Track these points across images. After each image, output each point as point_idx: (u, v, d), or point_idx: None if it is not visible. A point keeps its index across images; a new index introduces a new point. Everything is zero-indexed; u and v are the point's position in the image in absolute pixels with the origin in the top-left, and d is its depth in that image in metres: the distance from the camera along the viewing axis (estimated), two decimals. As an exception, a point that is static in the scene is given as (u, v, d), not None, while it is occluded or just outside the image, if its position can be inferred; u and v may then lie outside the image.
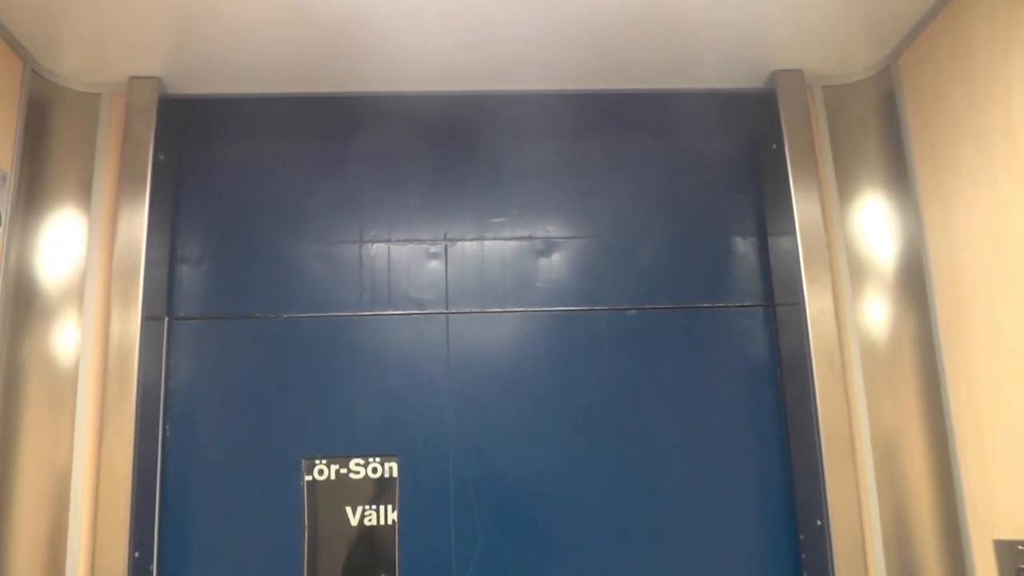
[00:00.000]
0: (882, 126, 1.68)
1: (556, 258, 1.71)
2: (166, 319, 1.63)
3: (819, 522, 1.50)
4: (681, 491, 1.62)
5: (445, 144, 1.76)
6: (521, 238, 1.72)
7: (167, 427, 1.60)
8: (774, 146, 1.68)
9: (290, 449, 1.60)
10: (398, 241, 1.70)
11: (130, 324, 1.51)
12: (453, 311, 1.67)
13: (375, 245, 1.70)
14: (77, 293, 1.55)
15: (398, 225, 1.72)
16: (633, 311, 1.69)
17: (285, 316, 1.66)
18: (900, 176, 1.64)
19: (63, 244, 1.56)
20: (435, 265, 1.70)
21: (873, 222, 1.65)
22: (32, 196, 1.55)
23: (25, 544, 1.43)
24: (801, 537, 1.58)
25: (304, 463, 1.59)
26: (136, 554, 1.46)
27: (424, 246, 1.70)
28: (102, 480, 1.46)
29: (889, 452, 1.55)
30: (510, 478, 1.60)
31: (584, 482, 1.61)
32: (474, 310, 1.68)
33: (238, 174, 1.73)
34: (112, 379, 1.49)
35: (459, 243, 1.71)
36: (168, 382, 1.62)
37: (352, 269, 1.69)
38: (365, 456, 1.60)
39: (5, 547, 1.41)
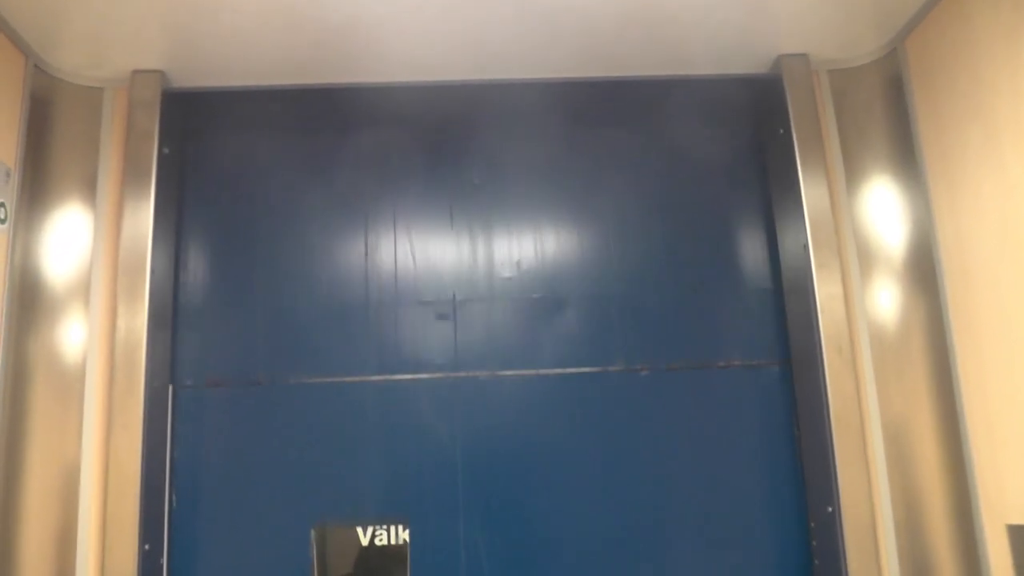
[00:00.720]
0: (889, 110, 1.67)
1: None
2: (172, 313, 1.63)
3: (830, 508, 1.50)
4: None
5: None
6: (531, 297, 1.69)
7: (175, 420, 1.60)
8: (780, 131, 1.67)
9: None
10: (405, 305, 1.68)
11: (137, 318, 1.51)
12: (462, 373, 1.64)
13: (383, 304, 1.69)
14: (83, 288, 1.55)
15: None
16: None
17: (288, 380, 1.66)
18: (907, 160, 1.63)
19: (68, 240, 1.56)
20: (444, 326, 1.67)
21: (881, 207, 1.64)
22: (36, 192, 1.55)
23: (35, 539, 1.43)
24: (811, 524, 1.57)
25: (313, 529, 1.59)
26: (146, 547, 1.46)
27: (431, 307, 1.67)
28: (111, 474, 1.46)
29: (899, 438, 1.54)
30: (522, 542, 1.58)
31: (598, 543, 1.59)
32: (483, 373, 1.65)
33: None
34: (119, 373, 1.49)
35: (467, 303, 1.67)
36: (176, 376, 1.62)
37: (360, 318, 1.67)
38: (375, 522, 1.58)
39: (16, 542, 1.41)
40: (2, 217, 1.43)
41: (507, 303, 1.67)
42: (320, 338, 1.65)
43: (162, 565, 1.51)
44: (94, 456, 1.49)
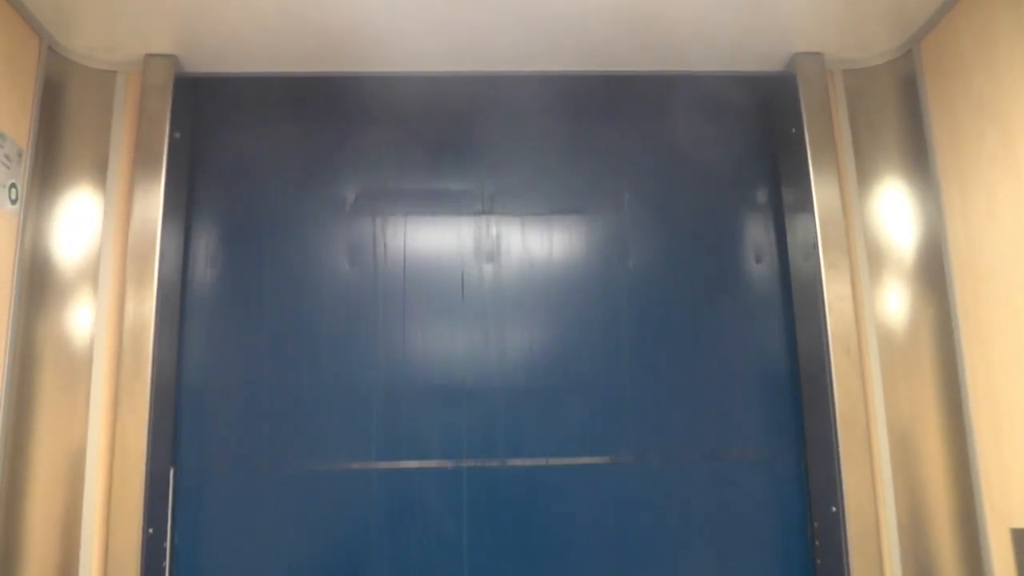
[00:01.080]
0: (902, 111, 1.66)
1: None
2: (180, 298, 1.63)
3: (834, 508, 1.50)
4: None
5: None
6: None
7: (181, 405, 1.60)
8: (793, 130, 1.66)
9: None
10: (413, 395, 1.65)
11: (145, 303, 1.51)
12: (469, 463, 1.62)
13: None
14: (92, 272, 1.55)
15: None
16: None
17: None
18: (920, 161, 1.62)
19: (78, 222, 1.56)
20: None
21: (892, 208, 1.63)
22: (48, 174, 1.55)
23: (40, 520, 1.43)
24: (815, 524, 1.57)
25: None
26: (150, 531, 1.46)
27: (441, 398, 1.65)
28: (116, 458, 1.46)
29: (905, 440, 1.54)
30: None
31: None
32: (492, 463, 1.62)
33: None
34: (127, 357, 1.49)
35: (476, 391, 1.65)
36: (182, 361, 1.62)
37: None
38: None
39: (21, 524, 1.42)
40: (13, 197, 1.43)
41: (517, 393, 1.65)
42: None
43: (165, 548, 1.52)
44: (100, 439, 1.49)
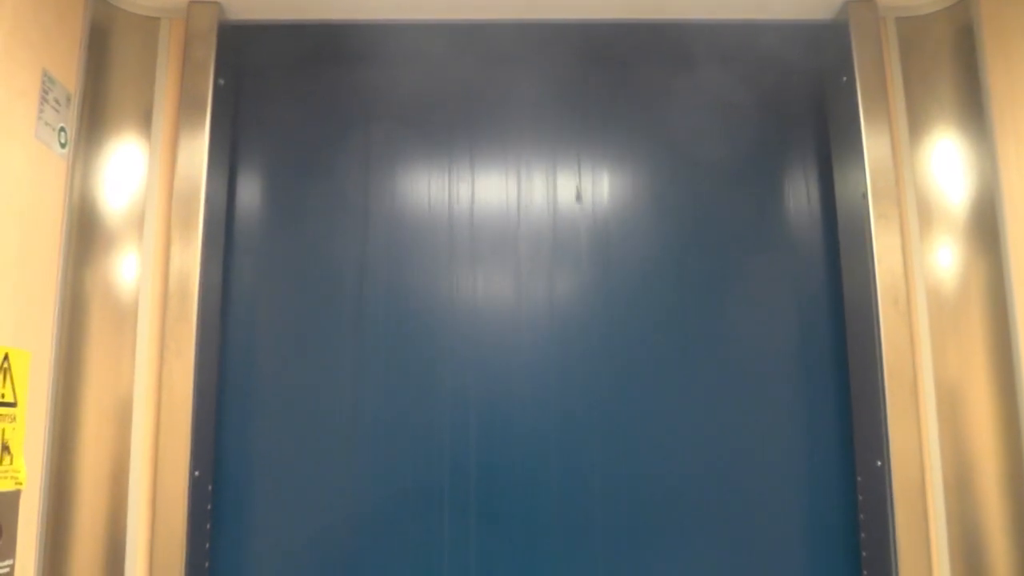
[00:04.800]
0: (957, 60, 1.61)
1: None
2: (225, 242, 1.65)
3: (879, 463, 1.48)
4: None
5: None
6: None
7: (225, 349, 1.62)
8: (843, 79, 1.62)
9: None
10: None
11: (190, 248, 1.52)
12: None
13: None
14: (138, 217, 1.56)
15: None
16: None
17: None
18: (975, 113, 1.58)
19: (124, 169, 1.57)
20: None
21: (945, 160, 1.59)
22: (93, 120, 1.56)
23: (91, 464, 1.46)
24: (858, 478, 1.56)
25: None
26: (196, 473, 1.48)
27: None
28: (163, 402, 1.48)
29: (953, 396, 1.51)
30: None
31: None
32: None
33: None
34: (173, 301, 1.50)
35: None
36: (227, 305, 1.64)
37: None
38: None
39: (73, 469, 1.45)
40: (63, 141, 1.45)
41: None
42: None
43: (209, 490, 1.54)
44: (147, 383, 1.51)
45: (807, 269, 1.68)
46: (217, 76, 1.60)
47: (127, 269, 1.54)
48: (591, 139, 1.73)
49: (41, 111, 1.38)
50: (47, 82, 1.40)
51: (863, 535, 1.54)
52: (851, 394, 1.60)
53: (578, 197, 1.69)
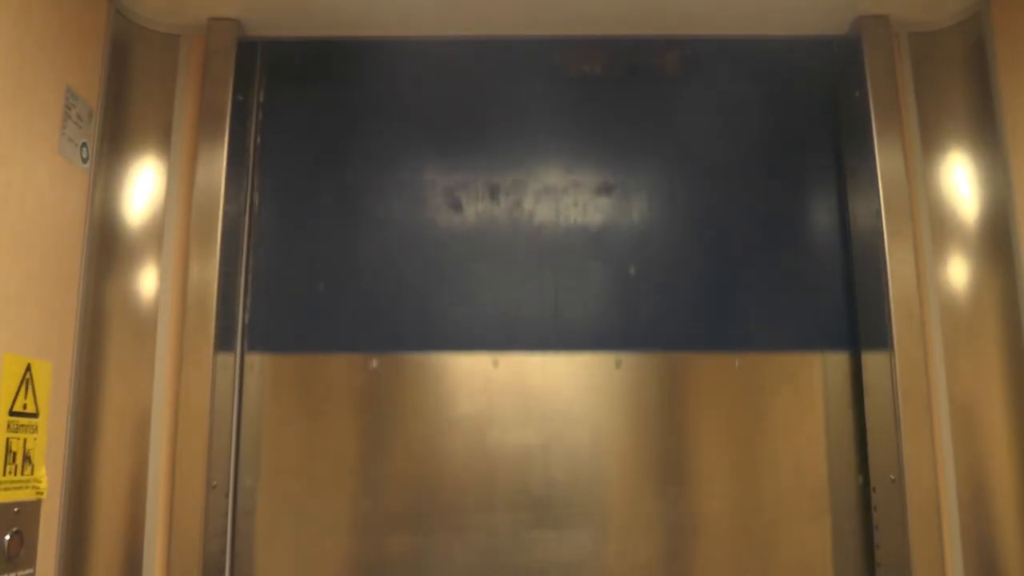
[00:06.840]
0: (970, 76, 1.62)
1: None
2: (244, 257, 1.66)
3: (893, 477, 1.48)
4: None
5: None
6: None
7: (243, 362, 1.64)
8: (856, 94, 1.63)
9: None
10: None
11: (209, 263, 1.54)
12: None
13: None
14: (157, 232, 1.58)
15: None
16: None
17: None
18: (988, 129, 1.58)
19: (144, 183, 1.60)
20: None
21: (958, 175, 1.59)
22: (114, 136, 1.58)
23: (110, 475, 1.48)
24: (873, 491, 1.56)
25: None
26: (214, 484, 1.50)
27: None
28: (181, 414, 1.50)
29: (968, 412, 1.51)
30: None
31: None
32: None
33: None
34: (191, 314, 1.52)
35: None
36: (246, 320, 1.65)
37: None
38: None
39: (92, 479, 1.47)
40: (85, 156, 1.47)
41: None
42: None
43: (227, 502, 1.56)
44: (165, 396, 1.53)
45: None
46: (236, 92, 1.62)
47: (147, 282, 1.56)
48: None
49: (64, 127, 1.41)
50: (70, 98, 1.43)
51: (878, 549, 1.54)
52: (865, 408, 1.60)
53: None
